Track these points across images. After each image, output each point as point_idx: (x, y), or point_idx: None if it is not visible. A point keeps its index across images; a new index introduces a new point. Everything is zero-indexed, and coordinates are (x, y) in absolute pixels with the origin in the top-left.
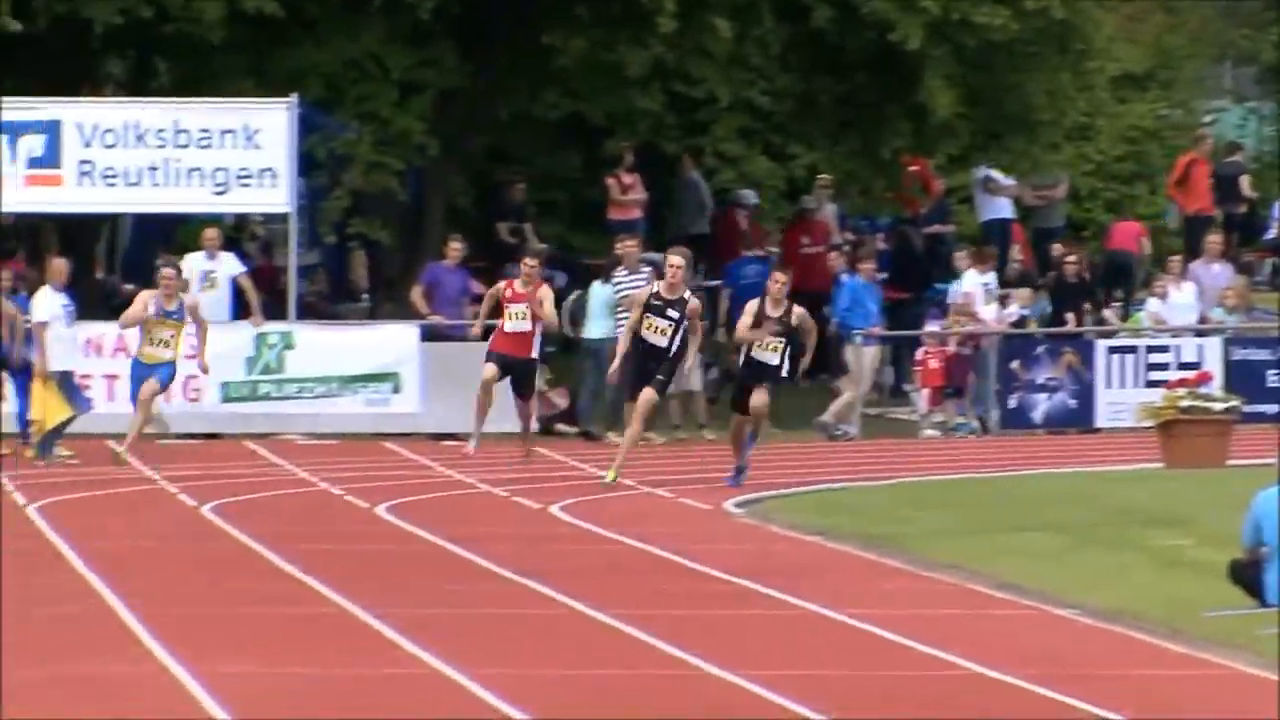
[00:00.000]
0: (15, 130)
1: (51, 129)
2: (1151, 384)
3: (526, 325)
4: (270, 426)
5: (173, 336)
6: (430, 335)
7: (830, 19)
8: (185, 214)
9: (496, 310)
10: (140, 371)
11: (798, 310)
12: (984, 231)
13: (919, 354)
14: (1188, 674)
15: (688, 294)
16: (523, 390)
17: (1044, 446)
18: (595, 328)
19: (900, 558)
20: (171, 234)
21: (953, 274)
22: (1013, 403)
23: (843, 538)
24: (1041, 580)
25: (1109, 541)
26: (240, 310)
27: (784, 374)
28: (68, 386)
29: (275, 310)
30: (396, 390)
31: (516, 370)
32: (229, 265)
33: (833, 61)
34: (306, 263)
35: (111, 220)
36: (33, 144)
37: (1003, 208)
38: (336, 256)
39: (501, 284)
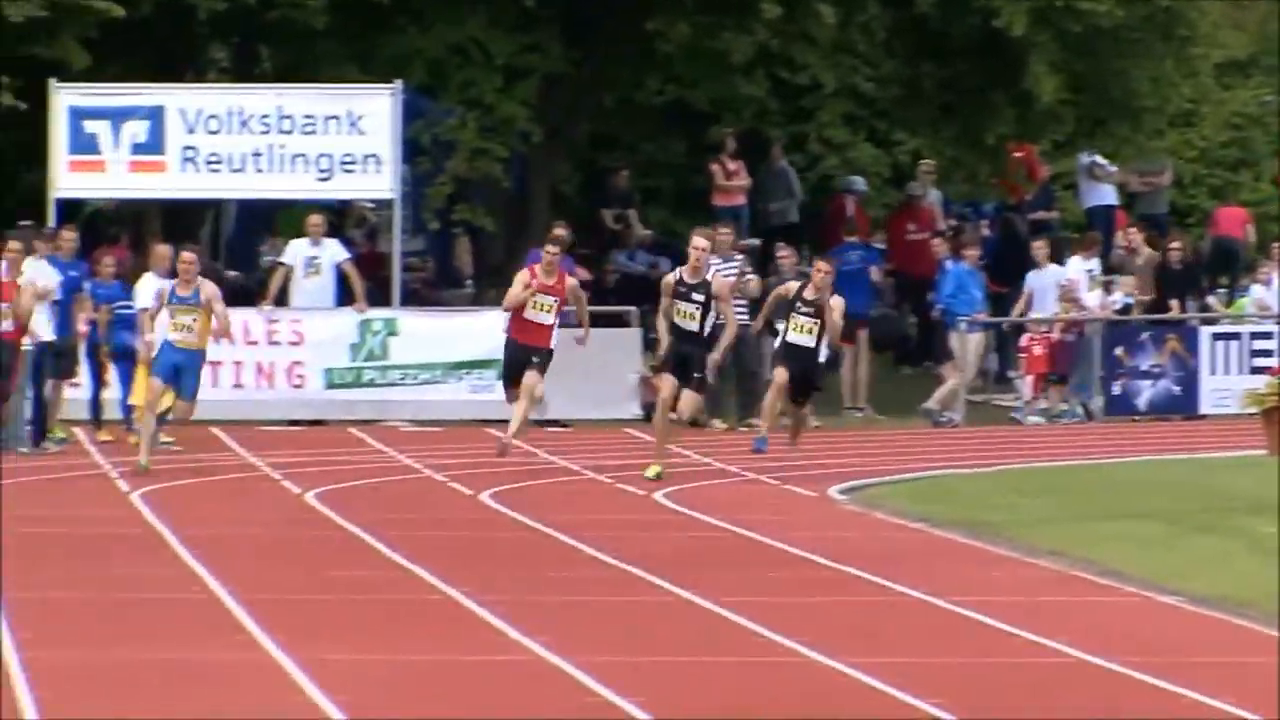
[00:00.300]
0: (119, 116)
1: (155, 115)
2: (1255, 370)
3: (548, 318)
4: (374, 413)
5: (195, 321)
6: None
7: (934, 4)
8: (289, 200)
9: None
10: (168, 355)
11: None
12: (1088, 218)
13: (1023, 340)
14: None
15: (710, 275)
16: (537, 370)
17: (1147, 433)
18: None
19: (1004, 544)
20: (274, 220)
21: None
22: (1116, 389)
23: (947, 525)
24: (1144, 567)
25: (1212, 528)
26: (344, 297)
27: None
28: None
29: (379, 297)
30: (499, 377)
31: (529, 359)
32: (333, 251)
33: (937, 47)
34: (411, 249)
35: (215, 207)
36: (136, 130)
37: (1107, 194)
38: (440, 243)
39: (525, 272)
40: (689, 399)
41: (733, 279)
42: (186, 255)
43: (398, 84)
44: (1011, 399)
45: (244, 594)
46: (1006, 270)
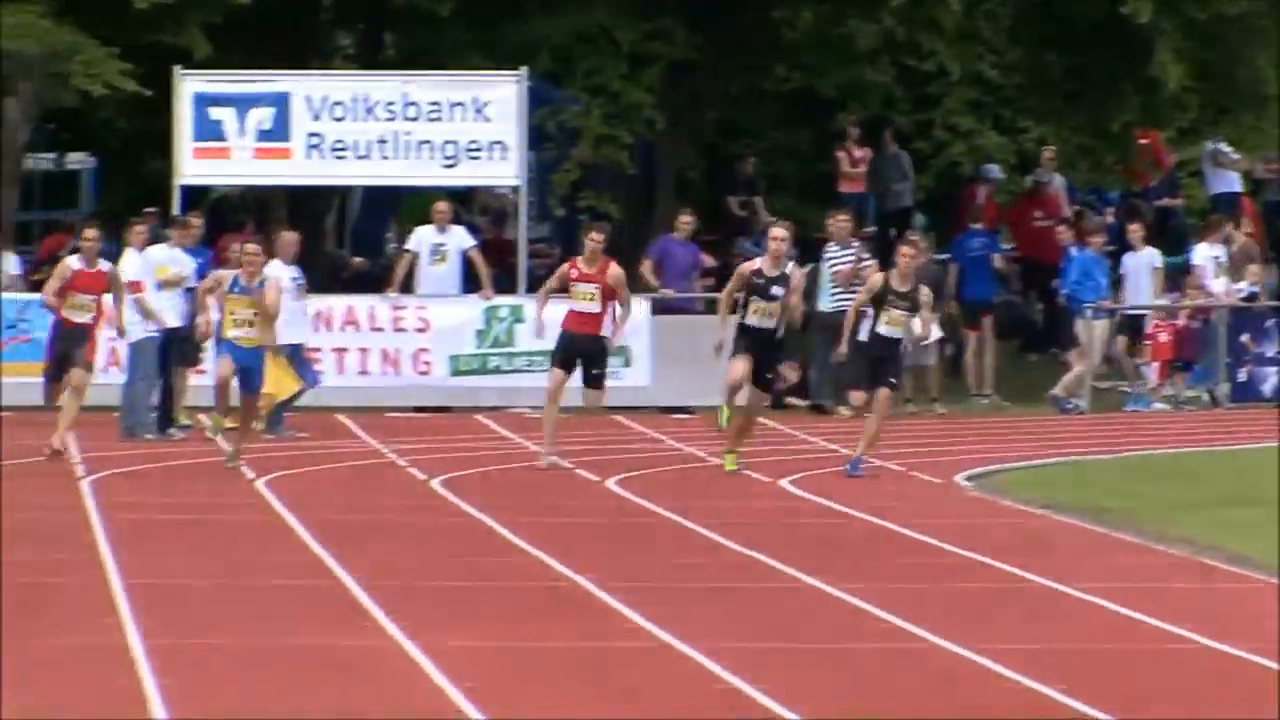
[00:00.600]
0: (244, 103)
1: (280, 102)
2: None
3: (595, 306)
4: (499, 400)
5: (256, 315)
6: (659, 309)
7: None
8: (414, 187)
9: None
10: (230, 351)
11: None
12: (1213, 205)
13: (1149, 327)
14: None
15: (790, 267)
16: (591, 372)
17: (1272, 420)
18: (825, 301)
19: (1130, 531)
20: (399, 207)
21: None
22: (1242, 376)
23: (1072, 511)
24: (1271, 554)
25: None
26: (470, 283)
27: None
28: (297, 360)
29: (505, 283)
30: (627, 364)
31: (586, 350)
32: (459, 238)
33: (1062, 34)
34: (536, 236)
35: (341, 194)
36: (262, 117)
37: (1232, 182)
38: (566, 229)
39: (566, 265)
40: (756, 396)
41: (847, 265)
42: (251, 247)
43: (523, 71)
44: (1138, 385)
45: (370, 580)
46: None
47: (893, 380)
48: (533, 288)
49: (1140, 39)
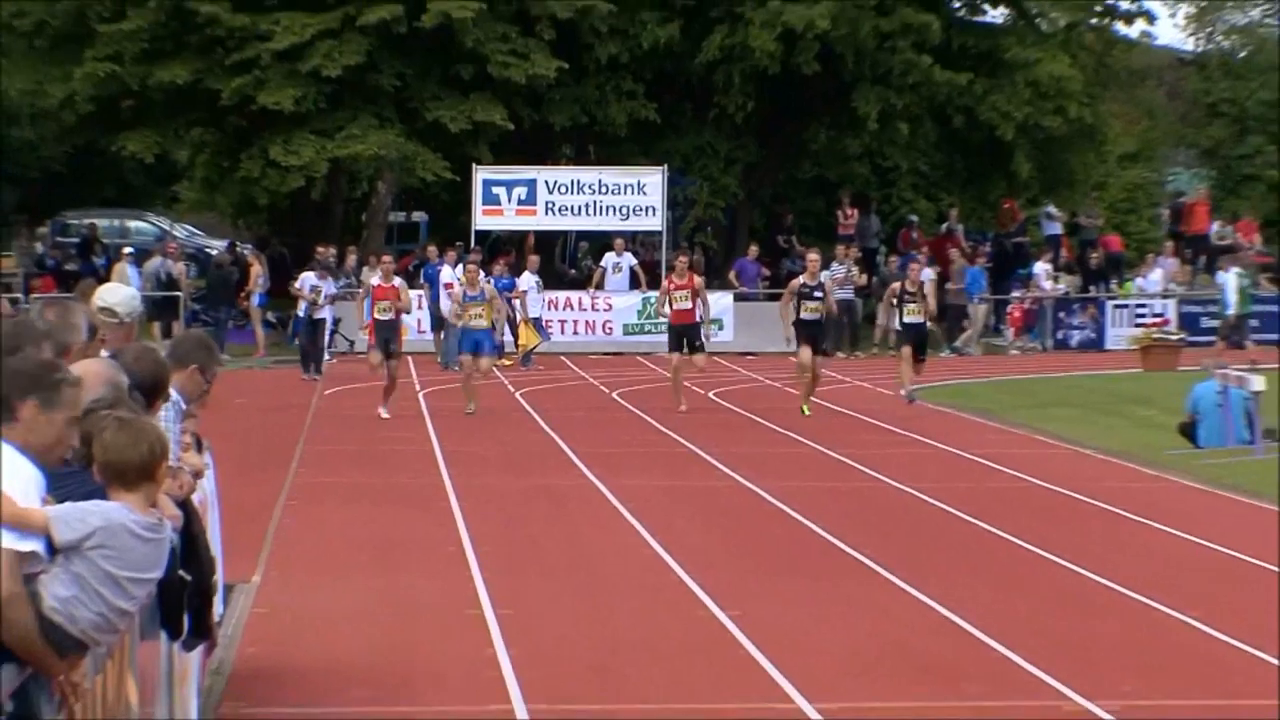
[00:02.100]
0: (510, 184)
1: (530, 184)
2: (1137, 325)
3: (687, 304)
4: (649, 349)
5: (481, 312)
6: (738, 298)
7: (962, 122)
8: (604, 230)
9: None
10: (467, 333)
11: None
12: (1046, 241)
13: (1011, 307)
14: (1155, 487)
15: (824, 277)
16: (694, 345)
17: (1075, 359)
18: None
19: (996, 420)
20: (592, 242)
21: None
22: (1060, 335)
23: (968, 410)
24: (1072, 433)
25: (1111, 411)
26: (634, 284)
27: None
28: (538, 326)
29: (653, 285)
30: (721, 328)
31: (688, 332)
32: (628, 260)
33: (962, 146)
34: (669, 259)
35: (563, 235)
36: (520, 191)
37: (1056, 228)
38: (689, 254)
39: (665, 281)
40: (816, 363)
41: (841, 274)
42: (471, 267)
43: (664, 167)
44: (1001, 341)
45: (578, 448)
46: (1002, 271)
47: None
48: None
49: (1006, 149)
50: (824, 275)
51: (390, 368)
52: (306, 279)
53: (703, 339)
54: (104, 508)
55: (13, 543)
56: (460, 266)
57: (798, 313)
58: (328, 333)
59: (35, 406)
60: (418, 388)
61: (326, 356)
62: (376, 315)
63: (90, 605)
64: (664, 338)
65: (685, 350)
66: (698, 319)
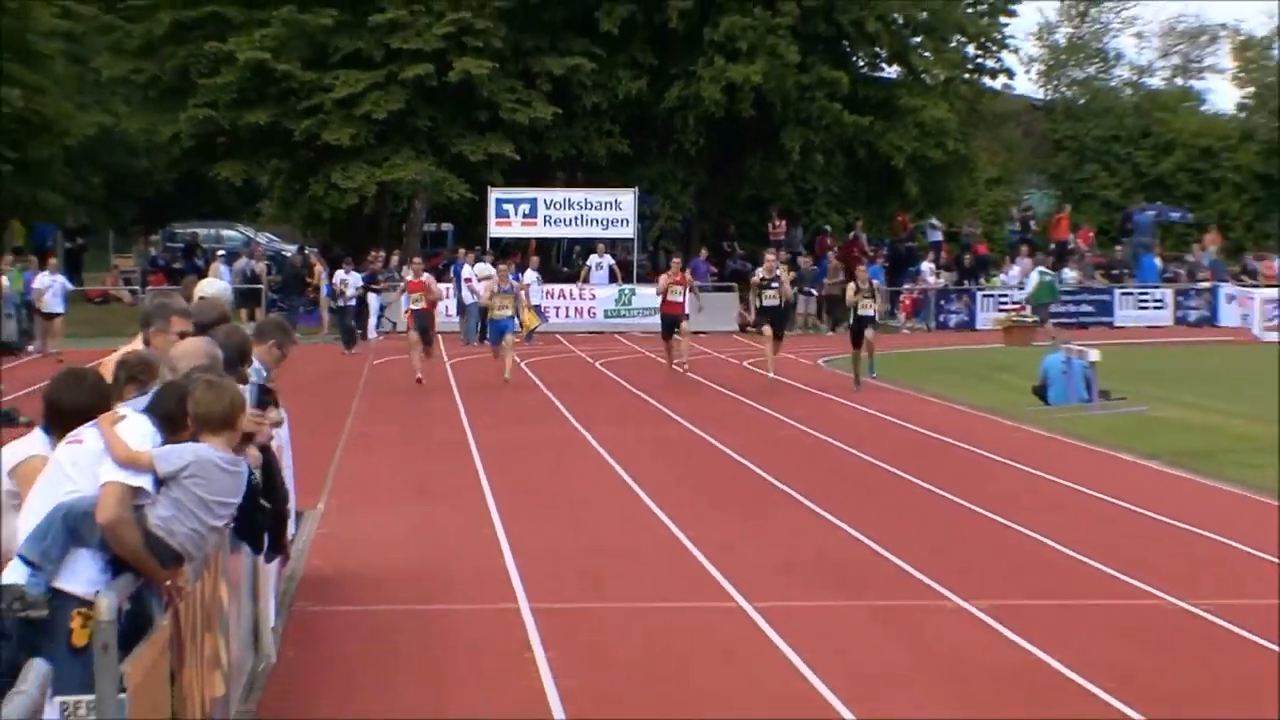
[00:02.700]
0: (517, 201)
1: (532, 201)
2: (1001, 310)
3: (680, 298)
4: (624, 328)
5: (507, 303)
6: (692, 289)
7: (865, 154)
8: (589, 238)
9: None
10: (494, 323)
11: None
12: (930, 246)
13: (903, 296)
14: (1013, 435)
15: (779, 270)
16: (676, 331)
17: (952, 337)
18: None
19: (893, 385)
20: (581, 246)
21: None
22: (941, 318)
23: (874, 377)
24: (950, 393)
25: (980, 377)
26: (612, 279)
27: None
28: (539, 311)
29: (627, 279)
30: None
31: (676, 321)
32: (608, 260)
33: (865, 172)
34: (640, 259)
35: (559, 242)
36: (524, 207)
37: (938, 235)
38: (654, 257)
39: (663, 278)
40: (776, 343)
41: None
42: (502, 268)
43: (635, 189)
44: (897, 322)
45: (568, 406)
46: (896, 268)
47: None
48: (639, 280)
49: (899, 175)
50: (780, 270)
51: (428, 350)
52: (338, 274)
53: (685, 320)
54: (195, 447)
55: (125, 479)
56: (477, 264)
57: (760, 300)
58: (374, 316)
59: (159, 334)
60: (446, 360)
61: (375, 335)
62: (410, 306)
63: (185, 523)
64: (637, 320)
65: (674, 334)
66: (685, 311)
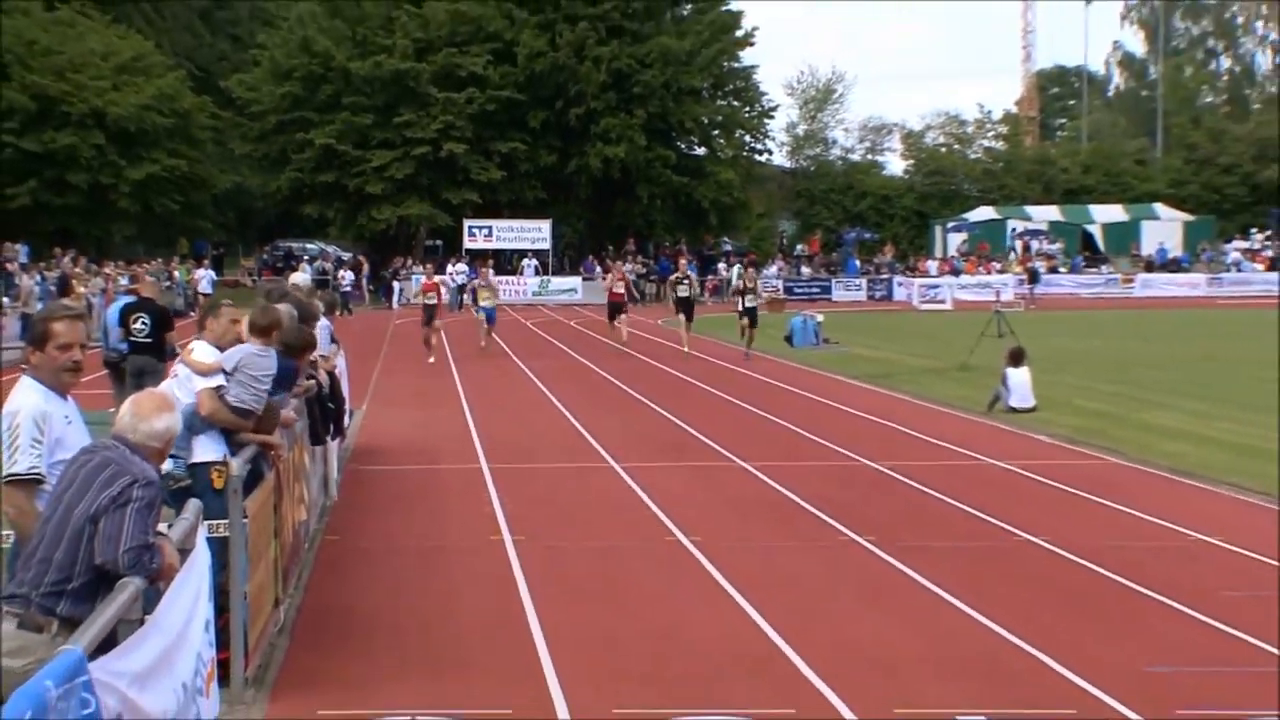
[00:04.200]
0: (480, 228)
1: (490, 227)
2: (765, 293)
3: (621, 290)
4: (547, 303)
5: (489, 295)
6: (585, 279)
7: (685, 200)
8: (523, 249)
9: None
10: (483, 308)
11: (692, 277)
12: (724, 253)
13: (707, 283)
14: (773, 365)
15: (691, 270)
16: (621, 316)
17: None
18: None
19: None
20: (518, 254)
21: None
22: (730, 297)
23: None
24: (739, 341)
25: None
26: (536, 273)
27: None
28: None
29: (543, 273)
30: (577, 293)
31: (618, 308)
32: (533, 263)
33: (686, 210)
34: (553, 262)
35: (505, 250)
36: (485, 231)
37: (729, 246)
38: (561, 261)
39: (609, 276)
40: (686, 325)
41: (629, 272)
42: (485, 269)
43: (550, 220)
44: (709, 302)
45: (519, 356)
46: (704, 266)
47: (688, 313)
48: (553, 274)
49: (705, 212)
50: (691, 270)
51: (435, 334)
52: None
53: (627, 309)
54: (243, 348)
55: (207, 384)
56: (458, 264)
57: (675, 293)
58: (396, 295)
59: (213, 319)
60: (439, 325)
61: (397, 306)
62: (424, 300)
63: (246, 392)
64: (552, 298)
65: (617, 319)
66: (625, 299)
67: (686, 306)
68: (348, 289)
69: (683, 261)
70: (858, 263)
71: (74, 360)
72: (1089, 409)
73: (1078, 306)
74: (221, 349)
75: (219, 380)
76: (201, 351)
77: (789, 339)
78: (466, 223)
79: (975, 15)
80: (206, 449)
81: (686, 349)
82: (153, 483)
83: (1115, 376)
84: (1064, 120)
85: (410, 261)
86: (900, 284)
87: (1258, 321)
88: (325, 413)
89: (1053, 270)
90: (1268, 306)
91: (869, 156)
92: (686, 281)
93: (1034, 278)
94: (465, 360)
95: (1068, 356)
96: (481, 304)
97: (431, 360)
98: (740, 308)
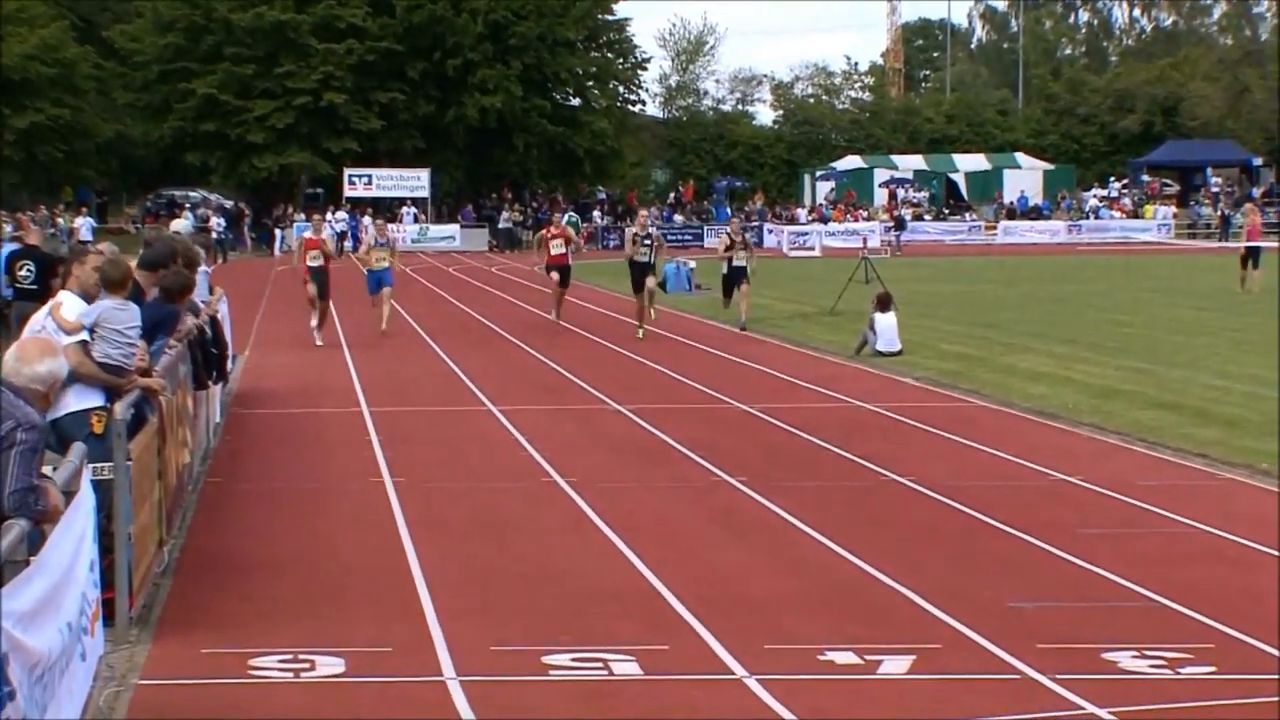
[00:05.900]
0: (361, 176)
1: (370, 175)
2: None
3: (562, 249)
4: (423, 249)
5: (385, 256)
6: (464, 227)
7: (561, 149)
8: (402, 196)
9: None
10: (373, 273)
11: (655, 234)
12: (599, 202)
13: (582, 231)
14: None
15: (653, 230)
16: (567, 282)
17: (609, 254)
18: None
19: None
20: (397, 201)
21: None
22: (606, 243)
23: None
24: (614, 287)
25: (624, 275)
26: (415, 221)
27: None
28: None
29: (426, 219)
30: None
31: (561, 269)
32: (412, 211)
33: (564, 159)
34: (430, 210)
35: (385, 199)
36: (365, 179)
37: (603, 194)
38: (439, 209)
39: (544, 230)
40: (644, 296)
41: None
42: (380, 222)
43: (429, 169)
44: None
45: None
46: (583, 214)
47: (652, 278)
48: (432, 222)
49: (581, 161)
50: (653, 230)
51: (323, 306)
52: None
53: (569, 273)
54: (100, 304)
55: (72, 340)
56: (337, 212)
57: (634, 255)
58: (278, 242)
59: (79, 265)
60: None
61: (278, 254)
62: (309, 262)
63: (113, 348)
64: (430, 245)
65: (561, 282)
66: (569, 261)
67: (643, 274)
68: (220, 235)
69: (643, 213)
70: (729, 210)
71: None
72: (953, 353)
73: (942, 253)
74: (90, 298)
75: (84, 336)
76: (70, 306)
77: (663, 285)
78: (347, 171)
79: None
80: (84, 397)
81: (645, 328)
82: (36, 426)
83: (979, 320)
84: (928, 72)
85: (291, 209)
86: (770, 231)
87: (1114, 267)
88: (208, 357)
89: (918, 218)
90: (1124, 253)
91: (740, 107)
92: (649, 244)
93: (900, 225)
94: (341, 299)
95: (933, 301)
96: (374, 266)
97: (319, 344)
98: (725, 269)
